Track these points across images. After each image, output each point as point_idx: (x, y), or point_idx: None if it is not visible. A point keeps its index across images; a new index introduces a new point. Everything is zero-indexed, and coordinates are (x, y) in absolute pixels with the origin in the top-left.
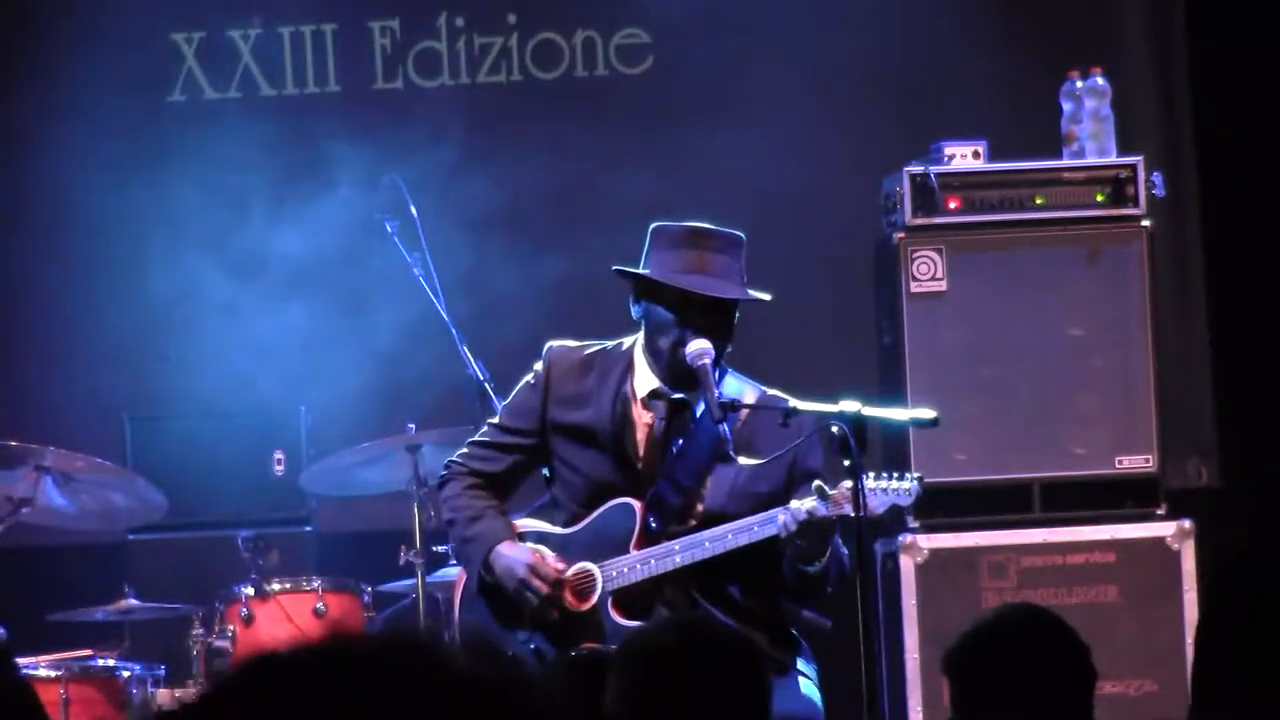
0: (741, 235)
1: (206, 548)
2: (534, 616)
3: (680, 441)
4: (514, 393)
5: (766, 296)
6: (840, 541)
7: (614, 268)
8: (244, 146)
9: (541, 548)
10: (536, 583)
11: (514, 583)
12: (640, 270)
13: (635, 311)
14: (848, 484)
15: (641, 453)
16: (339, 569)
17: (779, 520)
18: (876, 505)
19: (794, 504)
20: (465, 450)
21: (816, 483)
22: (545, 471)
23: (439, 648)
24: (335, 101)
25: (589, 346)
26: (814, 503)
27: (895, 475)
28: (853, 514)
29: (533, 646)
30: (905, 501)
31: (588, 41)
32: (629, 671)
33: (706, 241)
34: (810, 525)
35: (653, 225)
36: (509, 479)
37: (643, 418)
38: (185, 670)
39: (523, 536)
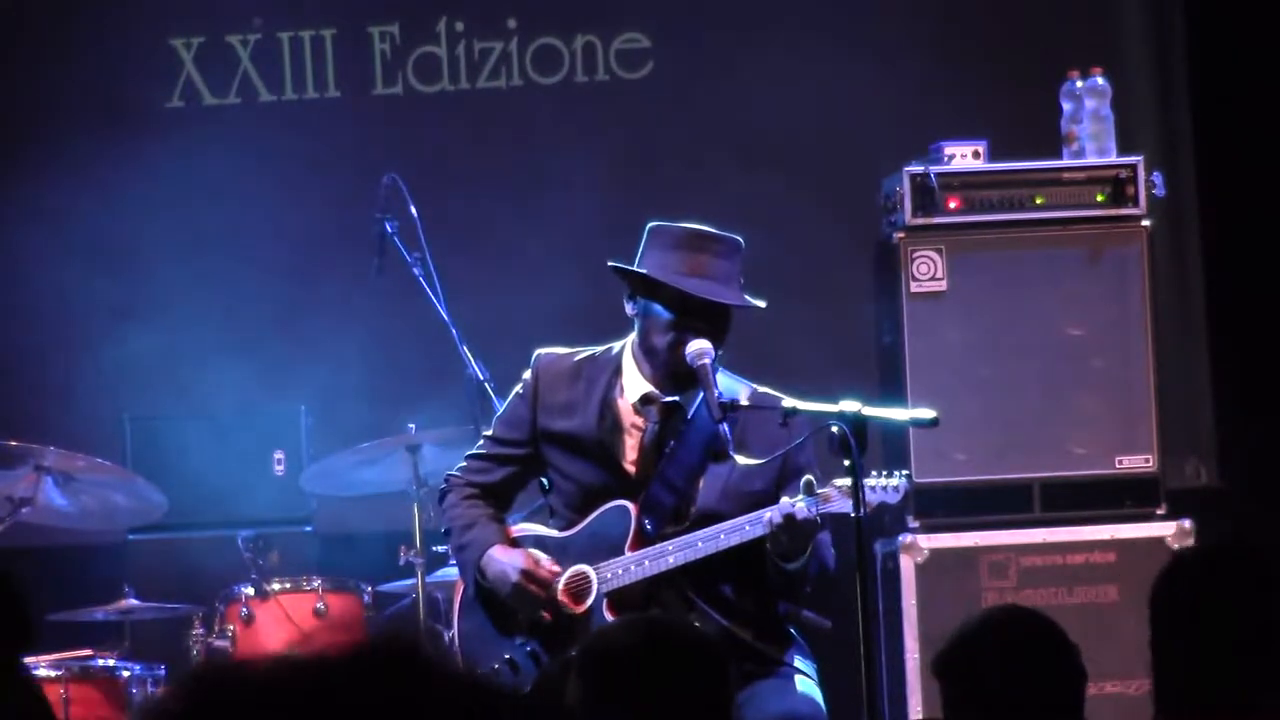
0: (740, 240)
1: (206, 548)
2: (528, 621)
3: (672, 443)
4: (505, 404)
5: (762, 304)
6: (828, 541)
7: (610, 264)
8: (243, 152)
9: (535, 552)
10: (531, 588)
11: (507, 588)
12: (640, 269)
13: (630, 308)
14: (837, 481)
15: (633, 457)
16: (339, 569)
17: (766, 519)
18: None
19: (783, 501)
20: (463, 463)
21: (806, 478)
22: (543, 480)
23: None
24: (335, 107)
25: (578, 353)
26: (801, 500)
27: (884, 473)
28: (849, 513)
29: (529, 650)
30: (893, 499)
31: (588, 46)
32: (588, 672)
33: (708, 245)
34: (794, 522)
35: (650, 224)
36: (505, 489)
37: (633, 422)
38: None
39: (521, 541)
